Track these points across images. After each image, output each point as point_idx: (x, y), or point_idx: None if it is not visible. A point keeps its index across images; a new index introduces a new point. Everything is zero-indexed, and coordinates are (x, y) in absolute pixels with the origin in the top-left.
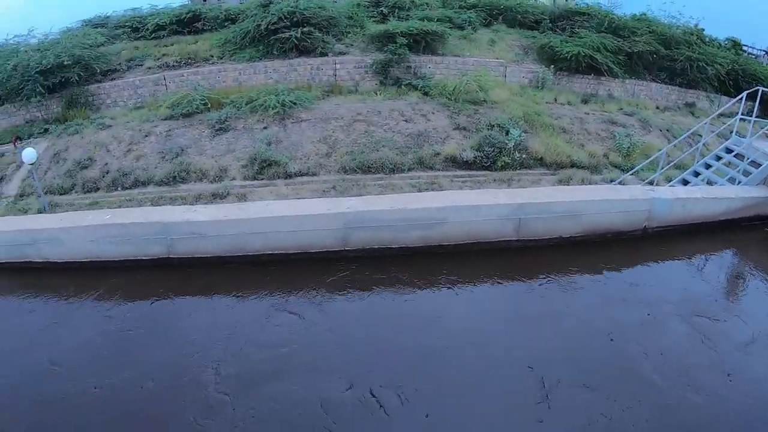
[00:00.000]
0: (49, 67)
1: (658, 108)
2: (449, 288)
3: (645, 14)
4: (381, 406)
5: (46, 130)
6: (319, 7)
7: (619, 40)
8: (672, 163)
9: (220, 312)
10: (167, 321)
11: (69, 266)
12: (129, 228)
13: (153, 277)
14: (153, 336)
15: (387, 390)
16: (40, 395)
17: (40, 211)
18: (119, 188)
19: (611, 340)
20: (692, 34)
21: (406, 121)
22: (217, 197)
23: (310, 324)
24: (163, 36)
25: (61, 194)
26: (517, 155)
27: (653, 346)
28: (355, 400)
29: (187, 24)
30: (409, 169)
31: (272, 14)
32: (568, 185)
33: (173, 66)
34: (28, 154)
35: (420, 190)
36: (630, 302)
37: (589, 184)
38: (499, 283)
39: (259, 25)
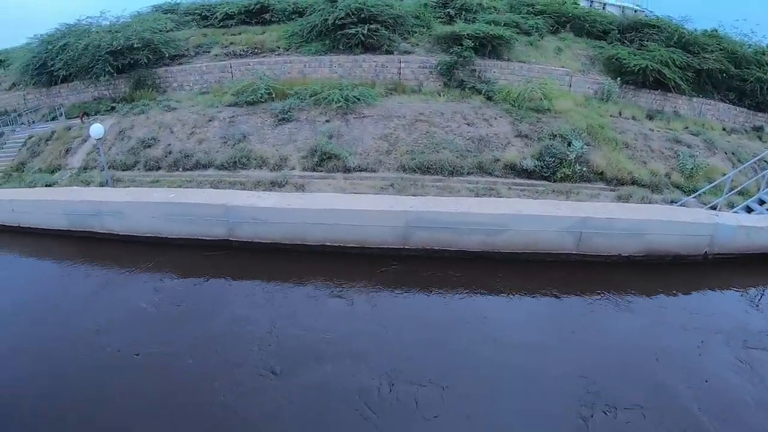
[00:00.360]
0: (119, 48)
1: (724, 129)
2: (504, 295)
3: (716, 30)
4: (417, 401)
5: (112, 108)
6: (387, 5)
7: (688, 55)
8: (736, 189)
9: (272, 296)
10: (218, 299)
11: (129, 239)
12: (192, 208)
13: (211, 257)
14: (202, 312)
15: (427, 386)
16: (84, 355)
17: (102, 185)
18: (180, 169)
19: (657, 360)
20: (764, 54)
21: (468, 124)
22: (275, 185)
23: (359, 315)
24: (231, 25)
25: (123, 170)
26: (578, 168)
27: (699, 373)
28: (394, 392)
29: (255, 15)
30: (468, 173)
31: (340, 10)
32: (627, 203)
33: (240, 55)
34: (96, 129)
35: (478, 195)
36: (683, 327)
37: (649, 203)
38: (554, 295)
39: (326, 20)
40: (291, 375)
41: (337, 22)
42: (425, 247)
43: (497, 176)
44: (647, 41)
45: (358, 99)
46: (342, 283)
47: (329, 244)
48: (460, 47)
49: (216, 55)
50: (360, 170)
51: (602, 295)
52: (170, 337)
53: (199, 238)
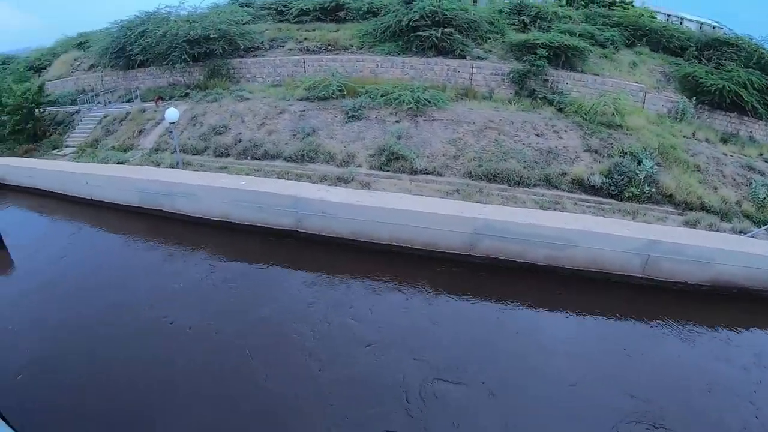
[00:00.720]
0: (195, 37)
1: None
2: (563, 310)
3: None
4: (457, 398)
5: (186, 95)
6: (461, 9)
7: None
8: None
9: (332, 288)
10: (277, 285)
11: (198, 221)
12: (262, 196)
13: (275, 246)
14: (259, 294)
15: (470, 386)
16: (139, 322)
17: (172, 166)
18: (249, 157)
19: (709, 391)
20: None
21: (537, 135)
22: (341, 181)
23: (416, 312)
24: (306, 21)
25: (193, 154)
26: (646, 188)
27: (750, 409)
28: (436, 387)
29: (330, 12)
30: (534, 185)
31: (414, 12)
32: (694, 228)
33: (313, 51)
34: (171, 113)
35: (543, 208)
36: (743, 366)
37: (717, 231)
38: (614, 315)
39: (400, 21)
40: (336, 361)
41: (411, 23)
42: (491, 256)
43: (563, 190)
44: (725, 60)
45: (429, 102)
46: (403, 282)
47: (395, 244)
48: (533, 56)
49: (290, 50)
50: (426, 173)
51: (663, 321)
52: (223, 315)
53: (267, 226)
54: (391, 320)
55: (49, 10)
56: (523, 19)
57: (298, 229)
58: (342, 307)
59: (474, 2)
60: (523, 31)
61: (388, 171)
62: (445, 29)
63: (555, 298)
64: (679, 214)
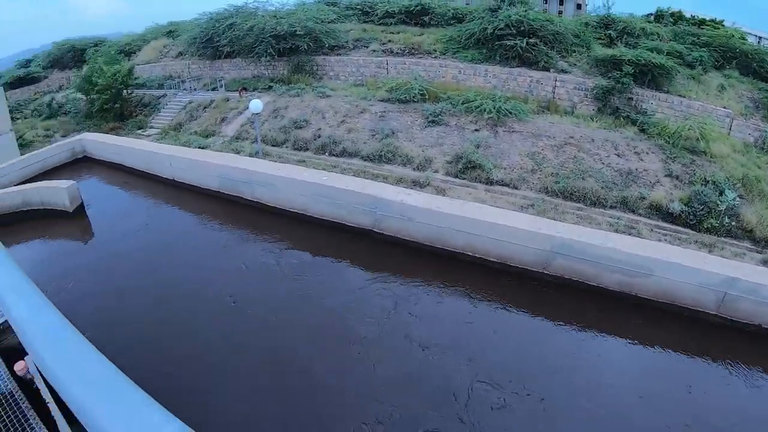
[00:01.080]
0: (282, 33)
1: None
2: (629, 339)
3: None
4: (506, 406)
5: (270, 88)
6: (547, 20)
7: None
8: None
9: (400, 289)
10: (345, 281)
11: (275, 211)
12: (342, 194)
13: (349, 243)
14: (325, 287)
15: (520, 396)
16: (204, 295)
17: (251, 155)
18: (327, 153)
19: None
20: None
21: (617, 155)
22: (417, 185)
23: (478, 320)
24: (391, 23)
25: (273, 145)
26: (726, 221)
27: None
28: (488, 398)
29: (415, 16)
30: (611, 207)
31: (500, 20)
32: None
33: (396, 53)
34: (255, 104)
35: (617, 231)
36: None
37: None
38: (682, 351)
39: (485, 29)
40: (392, 357)
41: (496, 32)
42: (564, 276)
43: (640, 215)
44: None
45: (510, 112)
46: (472, 291)
47: (470, 253)
48: (618, 72)
49: (373, 51)
50: (502, 184)
51: (732, 363)
52: (285, 301)
53: (343, 222)
54: (454, 325)
55: None
56: (610, 34)
57: (375, 229)
58: (407, 308)
59: (559, 13)
60: (609, 46)
61: (464, 179)
62: (530, 40)
63: (623, 325)
64: (758, 252)
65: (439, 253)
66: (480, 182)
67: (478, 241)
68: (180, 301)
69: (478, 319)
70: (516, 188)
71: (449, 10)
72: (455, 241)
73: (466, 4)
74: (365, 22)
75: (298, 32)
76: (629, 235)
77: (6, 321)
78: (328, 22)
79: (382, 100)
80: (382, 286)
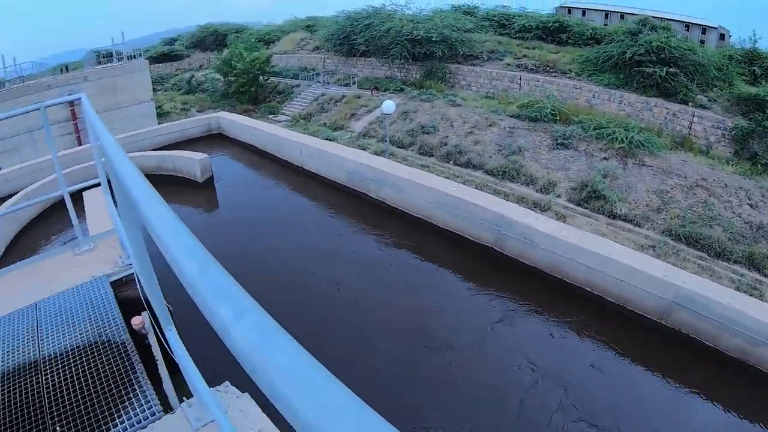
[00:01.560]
0: (418, 38)
1: None
2: (742, 416)
3: None
4: None
5: (401, 90)
6: (689, 50)
7: None
8: None
9: (503, 311)
10: (451, 290)
11: (398, 212)
12: (468, 206)
13: (464, 255)
14: (432, 294)
15: None
16: (310, 277)
17: (376, 153)
18: (451, 162)
19: None
20: None
21: (750, 205)
22: (537, 207)
23: (580, 359)
24: (527, 38)
25: (399, 147)
26: None
27: None
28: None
29: (552, 32)
30: (735, 261)
31: (639, 45)
32: None
33: (530, 69)
34: (388, 105)
35: (738, 290)
36: None
37: None
38: None
39: (624, 53)
40: (483, 379)
41: (635, 57)
42: (681, 330)
43: (765, 275)
44: None
45: (642, 145)
46: (582, 327)
47: (587, 288)
48: (761, 115)
49: (507, 64)
50: (624, 220)
51: None
52: (385, 299)
53: (464, 235)
54: (555, 355)
55: None
56: (754, 70)
57: (495, 247)
58: (512, 328)
59: (701, 43)
60: (753, 84)
61: (585, 208)
62: (670, 69)
63: (737, 399)
64: None
65: (556, 283)
66: (602, 214)
67: (599, 277)
68: (291, 277)
69: (581, 355)
70: (638, 226)
71: (588, 30)
72: (575, 273)
73: (604, 25)
74: (501, 34)
75: (433, 38)
76: (750, 295)
77: (131, 273)
78: (464, 31)
79: (511, 116)
80: (491, 302)
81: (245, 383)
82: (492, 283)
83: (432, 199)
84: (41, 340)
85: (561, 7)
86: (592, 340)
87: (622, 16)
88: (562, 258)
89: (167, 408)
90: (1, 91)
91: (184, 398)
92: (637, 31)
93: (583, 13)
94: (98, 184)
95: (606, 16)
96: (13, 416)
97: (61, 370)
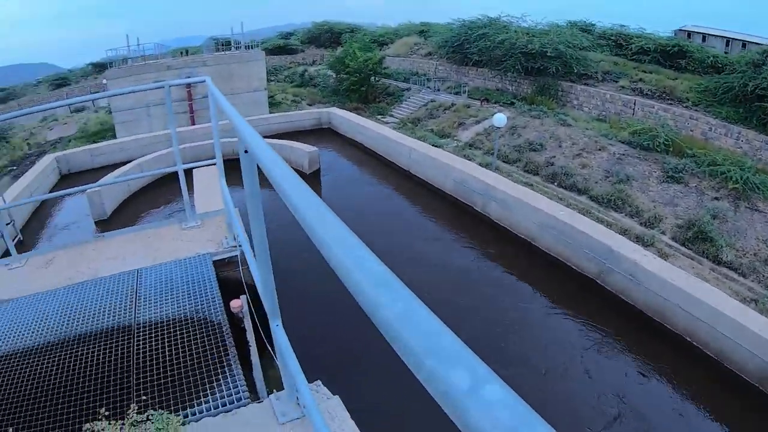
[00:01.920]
0: (532, 51)
1: None
2: None
3: None
4: None
5: (512, 104)
6: None
7: None
8: None
9: (599, 343)
10: (545, 317)
11: (499, 228)
12: (574, 233)
13: (566, 286)
14: (522, 316)
15: None
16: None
17: (481, 165)
18: (556, 183)
19: None
20: None
21: None
22: (639, 242)
23: (669, 414)
24: (644, 61)
25: (504, 161)
26: None
27: None
28: None
29: (671, 57)
30: None
31: (762, 78)
32: None
33: (646, 94)
34: (500, 118)
35: None
36: None
37: None
38: None
39: (745, 85)
40: (560, 402)
41: (757, 91)
42: None
43: None
44: None
45: (758, 187)
46: (676, 378)
47: (688, 338)
48: None
49: (622, 87)
50: (729, 267)
51: None
52: (470, 311)
53: (566, 262)
54: (639, 396)
55: None
56: None
57: (597, 279)
58: (600, 367)
59: None
60: None
61: (689, 249)
62: None
63: None
64: None
65: (658, 328)
66: (706, 258)
67: (702, 329)
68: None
69: (668, 401)
70: (743, 276)
71: (708, 57)
72: (676, 320)
73: (725, 53)
74: (617, 54)
75: (548, 53)
76: None
77: (235, 255)
78: (580, 49)
79: (622, 141)
80: (585, 331)
81: (335, 386)
82: (588, 314)
83: (538, 220)
84: (138, 306)
85: (680, 30)
86: (687, 396)
87: (744, 45)
88: (666, 301)
89: (253, 396)
90: (125, 67)
91: (275, 390)
92: (760, 63)
93: (704, 39)
94: (213, 164)
95: (727, 44)
96: (103, 374)
97: (153, 339)
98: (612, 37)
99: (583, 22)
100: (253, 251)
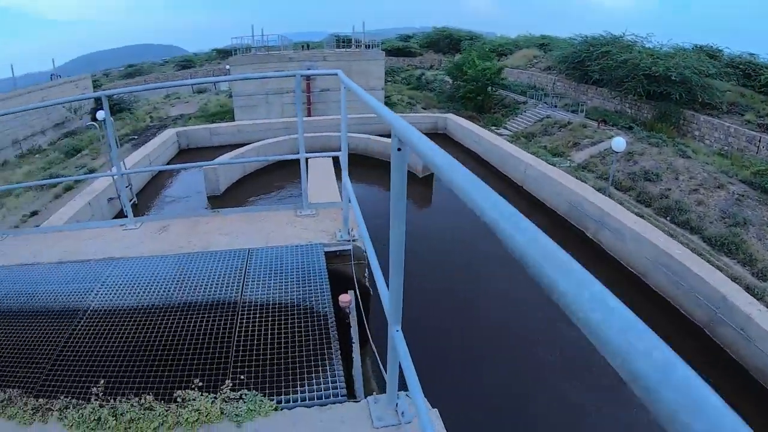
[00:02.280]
0: (655, 74)
1: None
2: None
3: None
4: None
5: (630, 128)
6: None
7: None
8: None
9: None
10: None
11: (609, 258)
12: (689, 275)
13: (669, 328)
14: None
15: None
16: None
17: (597, 189)
18: (668, 218)
19: None
20: None
21: None
22: (750, 293)
23: None
24: None
25: (616, 188)
26: None
27: None
28: None
29: None
30: None
31: None
32: None
33: None
34: (619, 142)
35: None
36: None
37: None
38: None
39: None
40: None
41: None
42: None
43: None
44: None
45: None
46: None
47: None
48: None
49: (747, 121)
50: None
51: None
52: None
53: (674, 305)
54: None
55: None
56: None
57: (706, 329)
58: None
59: None
60: None
61: None
62: None
63: None
64: None
65: (762, 389)
66: None
67: None
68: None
69: None
70: None
71: None
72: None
73: None
74: (745, 85)
75: (673, 78)
76: None
77: (348, 249)
78: (706, 76)
79: (743, 181)
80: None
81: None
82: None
83: (651, 255)
84: (246, 284)
85: None
86: None
87: None
88: None
89: (350, 394)
90: (248, 55)
91: (374, 392)
92: None
93: None
94: (330, 156)
95: None
96: (202, 345)
97: (257, 319)
98: (740, 66)
99: (710, 47)
100: (374, 250)
